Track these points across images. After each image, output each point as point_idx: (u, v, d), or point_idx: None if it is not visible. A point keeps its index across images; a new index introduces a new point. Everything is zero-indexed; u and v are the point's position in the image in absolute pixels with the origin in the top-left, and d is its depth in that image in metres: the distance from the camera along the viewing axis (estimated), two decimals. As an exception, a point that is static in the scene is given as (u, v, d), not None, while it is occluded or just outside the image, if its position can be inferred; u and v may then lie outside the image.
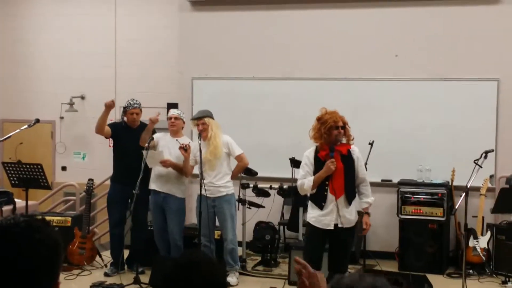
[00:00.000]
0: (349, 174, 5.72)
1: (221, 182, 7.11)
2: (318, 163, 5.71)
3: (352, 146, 5.83)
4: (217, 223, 7.35)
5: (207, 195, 7.01)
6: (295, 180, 8.04)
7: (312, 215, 5.78)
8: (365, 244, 7.79)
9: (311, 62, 8.81)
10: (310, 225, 5.81)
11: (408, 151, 8.38)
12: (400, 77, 8.48)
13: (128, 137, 7.43)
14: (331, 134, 5.66)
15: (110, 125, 7.60)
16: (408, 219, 7.91)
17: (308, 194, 5.90)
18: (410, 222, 7.91)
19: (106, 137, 7.70)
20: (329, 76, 8.69)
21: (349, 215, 5.74)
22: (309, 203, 5.89)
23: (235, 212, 7.29)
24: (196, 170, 7.27)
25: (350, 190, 5.75)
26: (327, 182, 5.67)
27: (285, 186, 8.09)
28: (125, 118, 7.54)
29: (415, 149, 8.37)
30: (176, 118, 7.33)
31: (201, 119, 7.09)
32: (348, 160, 5.73)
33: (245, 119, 8.87)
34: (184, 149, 6.99)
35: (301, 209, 7.89)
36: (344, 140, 5.83)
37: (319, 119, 5.79)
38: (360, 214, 5.93)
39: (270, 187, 8.10)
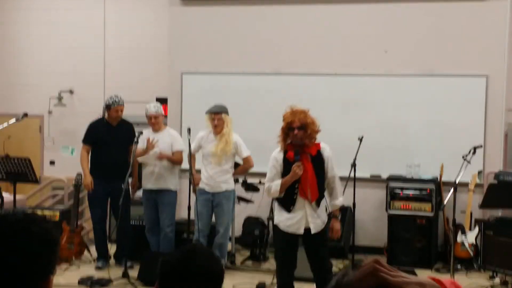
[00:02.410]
0: (320, 175, 5.44)
1: (222, 178, 7.13)
2: (288, 165, 5.39)
3: (322, 145, 5.53)
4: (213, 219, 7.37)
5: (207, 190, 7.04)
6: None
7: (280, 218, 5.50)
8: (353, 239, 7.81)
9: (301, 57, 8.81)
10: (279, 230, 5.52)
11: (397, 146, 8.41)
12: (389, 73, 8.50)
13: (109, 134, 7.49)
14: (288, 136, 5.40)
15: (90, 129, 7.63)
16: (397, 214, 7.94)
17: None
18: (399, 218, 7.94)
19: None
20: (318, 72, 8.69)
21: (318, 218, 5.46)
22: (276, 205, 5.63)
23: (232, 209, 7.32)
24: (198, 165, 7.29)
25: (320, 191, 5.47)
26: (296, 185, 5.39)
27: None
28: (106, 115, 7.52)
29: (404, 145, 8.40)
30: (155, 117, 7.35)
31: (219, 114, 7.09)
32: (318, 161, 5.45)
33: (235, 114, 8.80)
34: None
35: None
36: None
37: (283, 119, 5.51)
38: (329, 217, 5.64)
39: (260, 182, 8.08)
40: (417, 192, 7.95)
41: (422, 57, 8.44)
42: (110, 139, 7.41)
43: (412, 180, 8.05)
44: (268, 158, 8.42)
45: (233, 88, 8.95)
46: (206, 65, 9.05)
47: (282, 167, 5.46)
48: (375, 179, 8.41)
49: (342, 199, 5.65)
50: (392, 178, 8.15)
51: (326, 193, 5.59)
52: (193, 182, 7.17)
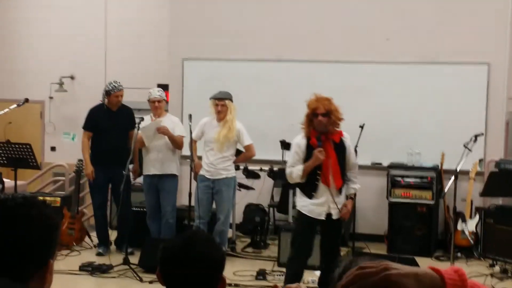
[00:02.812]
0: (342, 162, 5.58)
1: (222, 166, 7.12)
2: (310, 151, 5.50)
3: (344, 134, 5.66)
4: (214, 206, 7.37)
5: (207, 176, 7.04)
6: (286, 163, 8.10)
7: (304, 203, 5.63)
8: (354, 226, 7.82)
9: (302, 44, 8.79)
10: (302, 214, 5.67)
11: (398, 134, 8.41)
12: (391, 60, 8.49)
13: (109, 120, 7.48)
14: (313, 122, 5.50)
15: (90, 116, 7.62)
16: (398, 202, 7.96)
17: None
18: (400, 205, 7.96)
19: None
20: (320, 59, 8.68)
21: (339, 203, 5.62)
22: (298, 191, 5.75)
23: (232, 196, 7.31)
24: (200, 151, 7.29)
25: (342, 178, 5.64)
26: (318, 171, 5.51)
27: (275, 169, 8.11)
28: (106, 100, 7.52)
29: (405, 133, 8.40)
30: (159, 101, 7.35)
31: (222, 100, 7.07)
32: (340, 149, 5.59)
33: (236, 101, 8.78)
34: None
35: (291, 192, 7.88)
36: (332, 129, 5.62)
37: (307, 106, 5.63)
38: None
39: (261, 169, 8.12)
40: (417, 180, 7.96)
41: (424, 44, 8.42)
42: (111, 125, 7.42)
43: (413, 168, 8.06)
44: (270, 146, 8.57)
45: (234, 75, 8.92)
46: (208, 52, 9.03)
47: (305, 153, 5.56)
48: (376, 167, 8.42)
49: (359, 185, 5.81)
50: (393, 166, 8.16)
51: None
52: (194, 169, 7.17)
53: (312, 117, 5.50)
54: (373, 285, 1.25)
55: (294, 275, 5.72)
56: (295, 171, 5.55)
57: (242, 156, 7.36)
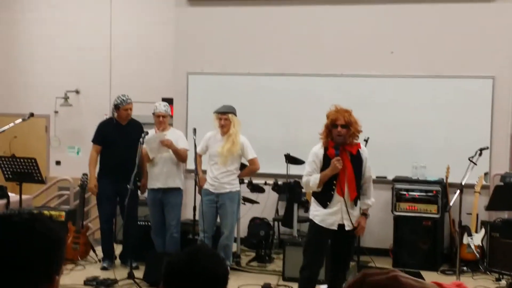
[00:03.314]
0: (358, 174, 5.63)
1: (226, 180, 7.12)
2: (328, 161, 5.57)
3: (362, 146, 5.74)
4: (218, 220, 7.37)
5: (211, 190, 7.05)
6: (290, 177, 8.12)
7: (317, 213, 5.67)
8: (359, 240, 7.79)
9: (306, 58, 8.81)
10: (314, 223, 5.70)
11: (403, 148, 8.42)
12: (395, 73, 8.51)
13: (119, 134, 7.49)
14: (331, 133, 5.57)
15: (100, 129, 7.65)
16: (403, 216, 7.95)
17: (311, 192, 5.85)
18: (405, 219, 7.95)
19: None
20: (324, 72, 8.71)
21: (353, 216, 5.64)
22: (313, 200, 5.78)
23: (237, 210, 7.30)
24: (204, 165, 7.32)
25: (357, 190, 5.67)
26: (334, 181, 5.57)
27: (279, 182, 8.08)
28: (115, 114, 7.54)
29: (410, 146, 8.41)
30: (164, 116, 7.36)
31: (225, 114, 7.09)
32: (357, 161, 5.63)
33: (240, 114, 8.81)
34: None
35: (295, 205, 7.89)
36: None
37: (326, 116, 5.69)
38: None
39: (265, 183, 8.10)
40: (423, 194, 7.94)
41: (428, 58, 8.43)
42: (120, 138, 7.42)
43: (418, 182, 8.06)
44: (274, 159, 8.56)
45: (238, 89, 8.95)
46: (212, 66, 9.07)
47: (322, 162, 5.62)
48: (381, 180, 8.37)
49: (373, 200, 5.81)
50: (398, 180, 8.16)
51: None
52: (199, 183, 7.18)
53: (331, 127, 5.57)
54: (380, 283, 1.26)
55: (306, 284, 5.76)
56: (312, 179, 5.61)
57: (247, 170, 7.37)
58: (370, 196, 5.76)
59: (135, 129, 7.48)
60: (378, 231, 8.41)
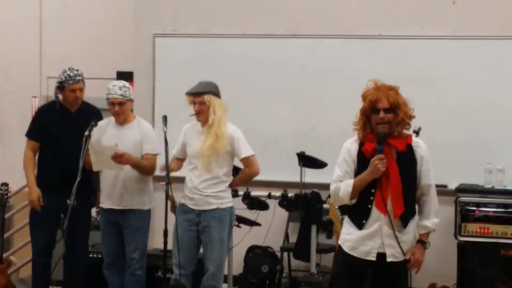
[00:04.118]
0: (407, 181, 5.53)
1: (212, 191, 7.01)
2: (363, 160, 5.49)
3: (415, 139, 5.62)
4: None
5: (190, 207, 6.96)
6: (306, 186, 8.06)
7: (348, 237, 5.61)
8: (410, 277, 7.76)
9: (325, 13, 8.84)
10: (343, 252, 5.64)
11: (472, 142, 8.44)
12: (459, 34, 8.52)
13: (65, 125, 7.40)
14: (370, 120, 5.49)
15: (37, 118, 7.57)
16: (471, 242, 7.94)
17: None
18: (474, 247, 7.95)
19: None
20: (351, 33, 8.76)
21: (401, 242, 5.53)
22: (346, 219, 5.71)
23: (228, 236, 7.19)
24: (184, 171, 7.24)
25: (408, 205, 5.55)
26: (373, 190, 5.49)
27: (290, 194, 8.07)
28: (60, 97, 7.44)
29: (482, 140, 8.42)
30: (120, 103, 7.20)
31: (200, 95, 6.96)
32: (407, 161, 5.54)
33: (232, 94, 8.72)
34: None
35: (313, 228, 7.89)
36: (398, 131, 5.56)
37: (363, 98, 5.57)
38: None
39: (269, 196, 8.07)
40: (500, 210, 7.92)
41: (506, 11, 8.44)
42: (66, 131, 7.33)
43: (493, 192, 8.05)
44: (282, 160, 8.51)
45: (230, 57, 8.99)
46: (190, 24, 9.08)
47: (357, 163, 5.54)
48: (439, 190, 8.20)
49: (437, 220, 5.65)
50: (463, 189, 8.16)
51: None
52: (171, 197, 7.08)
53: (370, 113, 5.47)
54: None
55: None
56: (343, 186, 5.51)
57: (241, 176, 7.27)
58: (430, 214, 5.62)
59: (89, 118, 7.37)
60: (436, 264, 8.38)
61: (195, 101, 6.98)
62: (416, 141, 5.61)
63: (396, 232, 5.47)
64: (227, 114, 7.06)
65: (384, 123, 5.42)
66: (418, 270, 5.69)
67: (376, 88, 5.47)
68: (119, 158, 7.04)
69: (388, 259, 5.46)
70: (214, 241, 7.06)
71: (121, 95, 7.25)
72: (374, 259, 5.48)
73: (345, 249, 5.58)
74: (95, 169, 7.22)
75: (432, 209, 5.62)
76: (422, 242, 5.59)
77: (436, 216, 5.61)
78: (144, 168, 7.22)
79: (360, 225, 5.51)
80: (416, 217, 5.59)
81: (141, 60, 9.21)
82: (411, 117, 5.50)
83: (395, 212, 5.44)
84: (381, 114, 5.40)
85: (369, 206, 5.48)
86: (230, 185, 7.18)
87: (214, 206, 7.04)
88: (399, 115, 5.43)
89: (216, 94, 7.04)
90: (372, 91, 5.46)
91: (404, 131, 5.52)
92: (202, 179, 7.03)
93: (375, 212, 5.46)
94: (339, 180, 5.55)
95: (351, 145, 5.59)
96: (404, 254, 5.48)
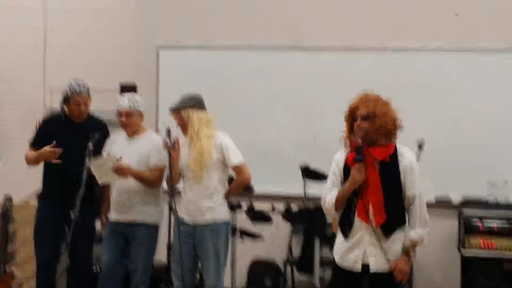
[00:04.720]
0: (390, 190, 5.52)
1: (207, 203, 7.00)
2: (348, 170, 5.54)
3: (401, 150, 5.61)
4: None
5: (185, 221, 6.94)
6: (309, 199, 8.05)
7: (336, 247, 5.67)
8: (412, 292, 7.80)
9: (328, 25, 8.87)
10: (334, 264, 5.68)
11: (475, 155, 8.43)
12: (460, 45, 8.55)
13: (70, 136, 7.36)
14: (352, 128, 5.57)
15: (42, 128, 7.53)
16: (475, 256, 7.94)
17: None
18: (478, 261, 7.94)
19: None
20: (355, 45, 8.78)
21: (389, 252, 5.52)
22: (338, 229, 5.77)
23: (224, 248, 7.17)
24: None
25: (391, 214, 5.53)
26: (355, 200, 5.52)
27: (294, 208, 8.05)
28: (66, 108, 7.43)
29: (486, 152, 8.41)
30: (127, 114, 7.22)
31: (178, 111, 6.96)
32: (389, 170, 5.53)
33: (234, 105, 8.88)
34: (171, 147, 6.90)
35: (317, 241, 7.88)
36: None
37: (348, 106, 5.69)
38: None
39: (272, 209, 8.06)
40: (504, 224, 7.93)
41: (509, 24, 8.46)
42: (72, 143, 7.30)
43: (497, 206, 8.07)
44: (285, 172, 8.51)
45: (232, 69, 9.01)
46: (193, 36, 9.11)
47: (343, 173, 5.60)
48: (442, 204, 8.38)
49: (422, 231, 5.57)
50: (467, 202, 8.18)
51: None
52: (175, 210, 7.07)
53: (351, 120, 5.55)
54: None
55: None
56: (328, 198, 5.58)
57: (234, 185, 7.23)
58: (415, 224, 5.56)
59: (94, 131, 7.37)
60: (439, 277, 8.46)
61: (175, 117, 7.01)
62: (402, 152, 5.59)
63: (378, 241, 5.48)
64: (211, 124, 7.04)
65: (361, 130, 5.48)
66: (402, 280, 5.58)
67: (359, 97, 5.56)
68: (119, 170, 7.07)
69: (372, 269, 5.47)
70: (210, 255, 7.03)
71: (128, 106, 7.27)
72: (359, 269, 5.49)
73: (336, 259, 5.62)
74: (99, 183, 7.23)
75: (418, 219, 5.55)
76: (407, 253, 5.56)
77: (422, 226, 5.54)
78: (146, 180, 7.19)
79: (345, 235, 5.56)
80: (406, 227, 5.57)
81: (145, 71, 9.22)
82: (392, 127, 5.52)
83: (376, 221, 5.46)
84: (358, 121, 5.46)
85: (352, 215, 5.52)
86: (226, 196, 7.18)
87: (209, 220, 7.03)
88: (376, 123, 5.45)
89: (197, 106, 7.02)
90: (354, 100, 5.55)
91: (389, 140, 5.53)
92: (195, 191, 7.01)
93: (357, 222, 5.49)
94: (328, 192, 5.62)
95: (339, 156, 5.66)
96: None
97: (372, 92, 5.60)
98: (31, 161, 7.39)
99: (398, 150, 5.58)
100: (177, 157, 6.93)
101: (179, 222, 7.04)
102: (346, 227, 5.55)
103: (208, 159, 6.93)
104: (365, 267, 5.49)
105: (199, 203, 6.98)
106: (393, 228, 5.51)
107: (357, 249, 5.51)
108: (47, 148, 7.19)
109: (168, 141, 7.01)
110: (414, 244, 5.57)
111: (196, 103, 7.05)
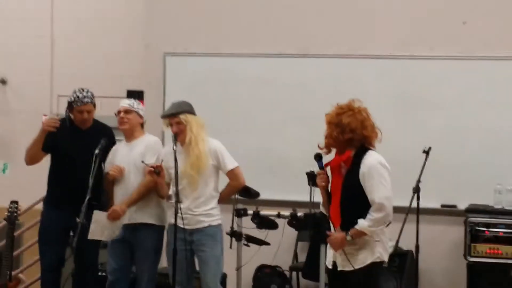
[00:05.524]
0: (349, 194, 5.70)
1: (203, 209, 7.00)
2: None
3: (367, 156, 5.70)
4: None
5: (183, 226, 6.93)
6: (315, 205, 8.01)
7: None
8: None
9: (335, 33, 8.85)
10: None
11: (481, 162, 8.39)
12: (468, 54, 8.50)
13: (75, 143, 7.37)
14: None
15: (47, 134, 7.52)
16: (481, 263, 7.92)
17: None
18: (484, 268, 7.93)
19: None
20: (361, 53, 8.75)
21: (352, 253, 5.66)
22: None
23: (221, 252, 7.18)
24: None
25: (348, 216, 5.69)
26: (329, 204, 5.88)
27: (299, 214, 8.01)
28: (70, 115, 7.44)
29: (491, 160, 8.38)
30: (127, 111, 7.22)
31: (175, 116, 6.97)
32: (350, 175, 5.71)
33: (242, 113, 8.86)
34: (156, 172, 6.88)
35: (323, 247, 7.80)
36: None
37: None
38: None
39: (278, 215, 8.00)
40: (510, 231, 7.91)
41: None
42: (76, 149, 7.30)
43: (503, 212, 8.03)
44: (291, 179, 8.46)
45: (239, 77, 8.99)
46: (200, 43, 9.10)
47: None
48: (448, 211, 8.36)
49: (366, 224, 5.64)
50: (473, 210, 8.12)
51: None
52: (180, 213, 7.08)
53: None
54: None
55: None
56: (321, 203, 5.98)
57: (227, 189, 7.24)
58: (366, 217, 5.65)
59: (100, 137, 7.37)
60: (445, 284, 8.43)
61: (172, 123, 6.99)
62: (364, 158, 5.70)
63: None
64: (205, 129, 7.05)
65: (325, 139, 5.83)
66: (333, 247, 5.77)
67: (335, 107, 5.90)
68: (112, 215, 7.08)
69: (339, 268, 5.71)
70: (209, 259, 7.04)
71: (128, 104, 7.29)
72: (330, 266, 5.80)
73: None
74: (105, 239, 7.25)
75: (372, 213, 5.64)
76: (349, 232, 5.66)
77: (369, 222, 5.62)
78: (144, 192, 7.15)
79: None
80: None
81: (152, 78, 9.21)
82: (346, 136, 5.70)
83: (334, 223, 5.78)
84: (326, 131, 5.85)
85: (328, 219, 5.88)
86: (219, 201, 7.19)
87: (206, 224, 7.03)
88: (333, 133, 5.73)
89: (191, 112, 7.05)
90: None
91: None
92: (192, 199, 7.01)
93: (331, 223, 5.83)
94: None
95: None
96: (352, 265, 5.62)
97: (354, 102, 5.86)
98: (30, 151, 7.39)
99: (364, 157, 5.71)
100: (162, 181, 6.99)
101: (177, 230, 7.05)
102: (329, 229, 5.88)
103: (205, 163, 6.95)
104: (333, 265, 5.79)
105: (196, 210, 7.00)
106: (349, 229, 5.69)
107: (331, 249, 5.82)
108: (52, 120, 7.24)
109: (174, 147, 7.02)
110: (356, 231, 5.64)
111: (190, 108, 7.09)
